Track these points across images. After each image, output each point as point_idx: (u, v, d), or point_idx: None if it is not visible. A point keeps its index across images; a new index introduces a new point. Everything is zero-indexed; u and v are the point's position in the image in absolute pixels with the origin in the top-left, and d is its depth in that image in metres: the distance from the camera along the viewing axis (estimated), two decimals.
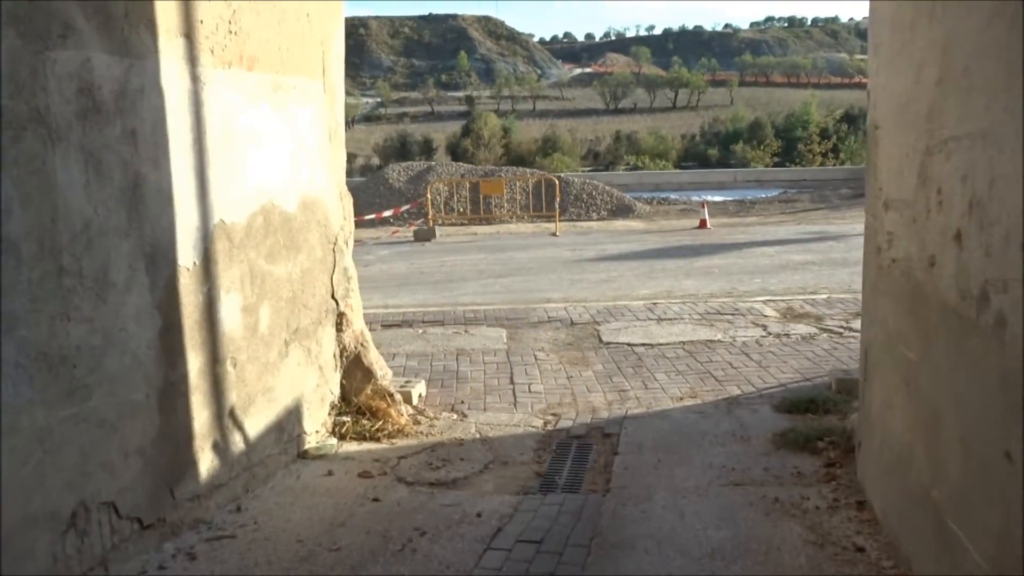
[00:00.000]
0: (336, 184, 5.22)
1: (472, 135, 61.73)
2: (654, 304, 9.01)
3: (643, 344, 7.33)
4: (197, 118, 3.68)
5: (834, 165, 33.40)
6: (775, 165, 39.22)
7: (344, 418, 5.19)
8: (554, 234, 16.79)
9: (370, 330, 8.26)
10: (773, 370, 6.41)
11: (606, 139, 73.87)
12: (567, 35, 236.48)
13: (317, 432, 4.95)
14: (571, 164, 49.55)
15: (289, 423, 4.60)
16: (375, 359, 5.51)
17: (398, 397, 5.47)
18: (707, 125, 77.74)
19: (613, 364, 6.74)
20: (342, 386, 5.31)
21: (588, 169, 46.96)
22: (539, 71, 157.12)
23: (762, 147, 44.90)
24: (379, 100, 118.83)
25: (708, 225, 17.28)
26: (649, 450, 4.84)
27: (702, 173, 30.29)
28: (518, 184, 20.08)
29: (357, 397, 5.32)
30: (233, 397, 4.03)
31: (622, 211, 20.68)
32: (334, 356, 5.23)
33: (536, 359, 6.95)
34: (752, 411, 5.47)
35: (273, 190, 4.38)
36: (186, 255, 3.62)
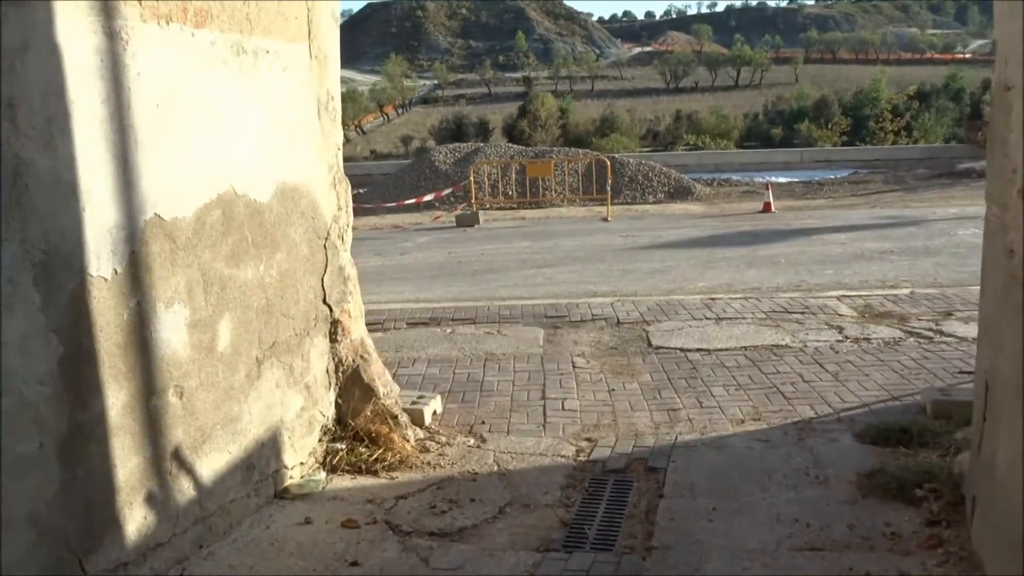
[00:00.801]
0: (327, 168, 4.40)
1: (529, 116, 60.85)
2: (712, 300, 8.03)
3: (698, 349, 6.38)
4: (116, 86, 2.88)
5: (908, 144, 31.57)
6: (843, 144, 37.37)
7: (338, 445, 4.39)
8: (605, 219, 15.81)
9: (394, 329, 7.51)
10: (853, 385, 5.42)
11: (666, 119, 72.19)
12: (626, 14, 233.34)
13: (303, 464, 4.16)
14: (629, 145, 48.34)
15: (262, 458, 3.81)
16: (378, 373, 4.69)
17: (404, 419, 4.65)
18: (770, 104, 75.37)
19: (663, 374, 5.83)
20: (337, 406, 4.52)
21: (647, 150, 45.61)
22: (597, 51, 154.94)
23: (829, 126, 42.94)
24: (436, 82, 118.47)
25: (773, 208, 16.11)
26: (702, 493, 3.94)
27: (765, 153, 28.86)
28: (569, 165, 19.11)
29: (355, 419, 4.51)
30: (178, 434, 3.25)
31: (680, 193, 19.58)
32: (327, 372, 4.43)
33: (574, 367, 6.07)
34: (829, 440, 4.51)
35: (237, 176, 3.58)
36: (101, 262, 2.83)
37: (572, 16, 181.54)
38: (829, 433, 4.62)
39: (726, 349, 6.36)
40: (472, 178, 16.18)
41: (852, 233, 12.60)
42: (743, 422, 4.87)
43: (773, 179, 20.18)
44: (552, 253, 11.66)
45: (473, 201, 16.12)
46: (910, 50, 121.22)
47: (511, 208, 18.43)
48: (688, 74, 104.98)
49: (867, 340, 6.45)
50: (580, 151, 21.71)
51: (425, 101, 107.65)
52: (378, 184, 20.90)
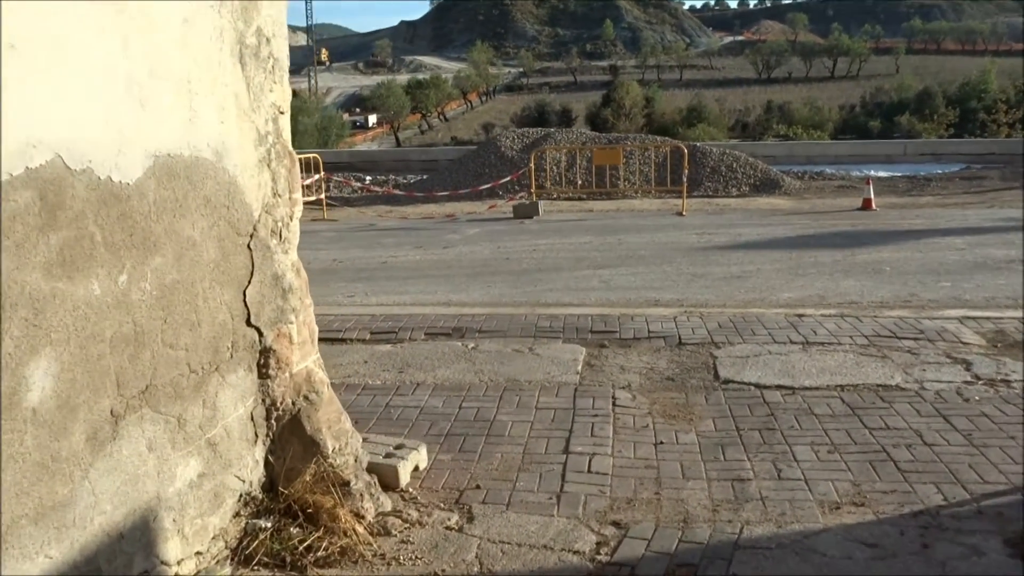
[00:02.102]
0: (255, 139, 3.15)
1: (613, 104, 59.23)
2: (799, 317, 6.54)
3: (779, 387, 4.95)
4: None
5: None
6: (950, 137, 34.57)
7: (262, 522, 3.16)
8: (680, 213, 14.25)
9: (408, 341, 6.26)
10: (994, 454, 3.92)
11: (756, 110, 69.45)
12: (719, 2, 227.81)
13: (200, 555, 2.94)
14: (716, 135, 46.29)
15: (117, 557, 2.60)
16: (328, 420, 3.44)
17: (360, 485, 3.39)
18: (868, 95, 71.80)
19: (730, 421, 4.43)
20: (267, 465, 3.29)
21: (735, 141, 43.48)
22: (687, 39, 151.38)
23: (935, 118, 39.95)
24: (521, 70, 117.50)
25: (874, 206, 14.28)
26: None
27: (864, 144, 26.58)
28: (643, 154, 17.57)
29: (291, 484, 3.28)
30: None
31: (767, 186, 17.83)
32: (250, 420, 3.21)
33: (614, 405, 4.72)
34: (968, 551, 3.07)
35: (73, 143, 2.36)
36: None
37: (662, 4, 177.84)
38: (967, 535, 3.18)
39: (816, 388, 4.91)
40: (532, 165, 14.79)
41: (970, 237, 10.79)
42: (839, 508, 3.45)
43: (873, 173, 18.21)
44: (613, 251, 10.25)
45: (533, 190, 14.76)
46: (1022, 40, 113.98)
47: (579, 199, 17.01)
48: (781, 64, 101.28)
49: (1006, 382, 4.90)
50: (658, 138, 20.11)
51: (509, 89, 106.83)
52: (442, 171, 19.75)
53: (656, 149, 17.57)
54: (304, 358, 3.43)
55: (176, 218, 2.77)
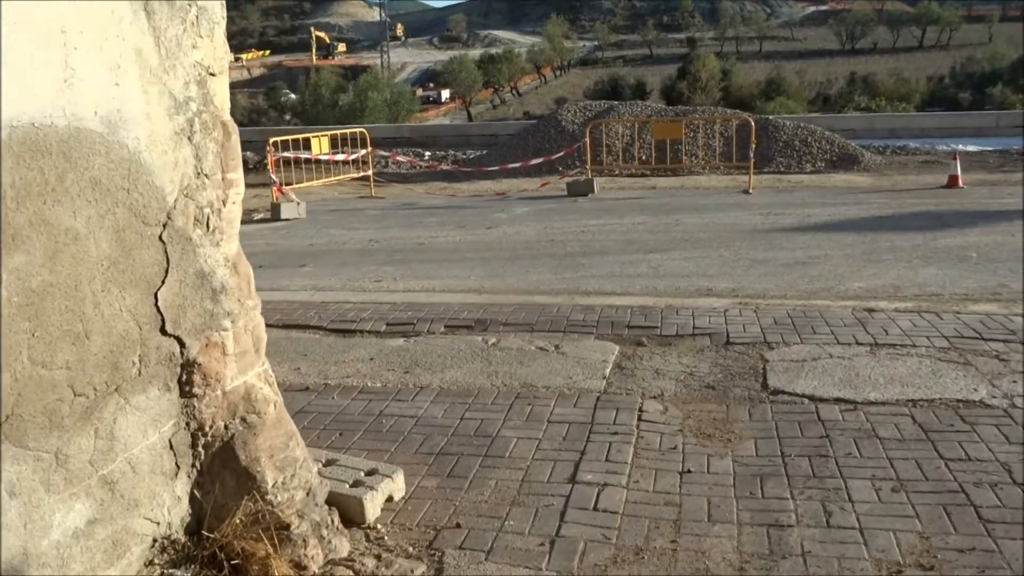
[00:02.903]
0: (170, 106, 2.57)
1: (688, 78, 57.65)
2: (869, 312, 5.72)
3: (838, 400, 4.20)
4: None
5: None
6: None
7: (179, 573, 2.61)
8: (747, 191, 13.29)
9: (425, 334, 5.67)
10: None
11: (839, 82, 66.68)
12: None
13: None
14: (795, 108, 44.46)
15: None
16: (270, 447, 2.86)
17: (303, 528, 2.81)
18: (959, 65, 68.16)
19: (774, 444, 3.72)
20: (193, 502, 2.74)
21: (815, 114, 41.58)
22: (768, 10, 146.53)
23: None
24: (596, 43, 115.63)
25: (960, 183, 13.08)
26: None
27: (952, 116, 24.87)
28: (708, 127, 16.58)
29: (219, 527, 2.72)
30: None
31: (844, 162, 16.66)
32: (169, 448, 2.65)
33: (640, 419, 4.04)
34: None
35: None
36: None
37: None
38: None
39: (882, 403, 4.14)
40: (588, 140, 13.98)
41: None
42: (900, 573, 2.72)
43: (961, 147, 16.84)
44: (668, 233, 9.45)
45: (589, 167, 13.95)
46: None
47: (641, 175, 16.15)
48: (866, 34, 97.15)
49: None
50: (728, 111, 19.00)
51: (584, 63, 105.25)
52: (501, 146, 19.09)
53: (724, 122, 16.56)
54: (243, 371, 2.86)
55: (48, 205, 2.20)
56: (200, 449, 2.75)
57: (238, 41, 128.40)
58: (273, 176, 12.37)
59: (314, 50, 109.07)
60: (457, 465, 3.61)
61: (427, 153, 20.41)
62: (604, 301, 6.37)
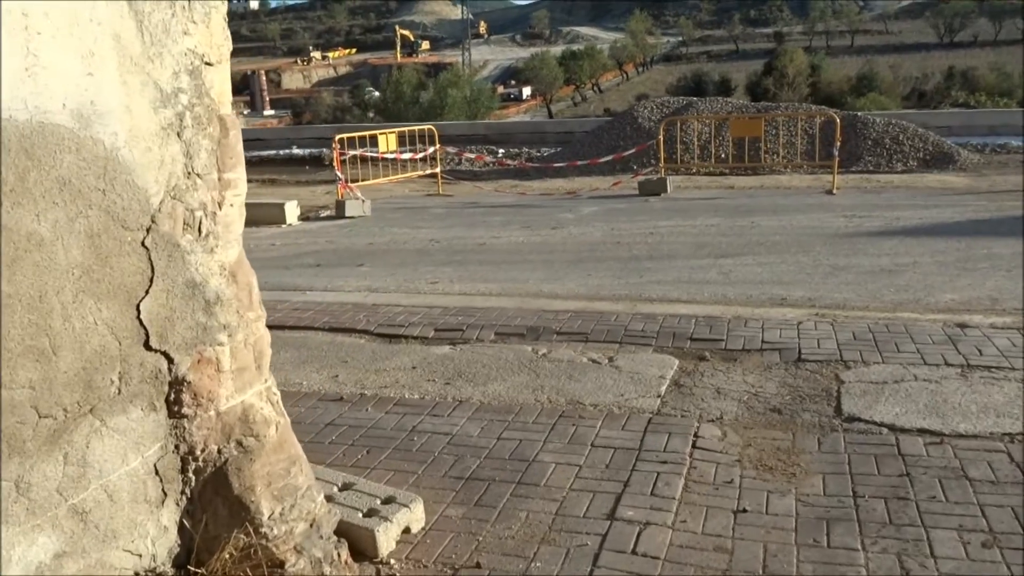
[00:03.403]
0: (155, 98, 2.32)
1: (775, 73, 56.08)
2: (961, 328, 5.18)
3: (923, 431, 3.72)
4: None
5: None
6: None
7: None
8: (830, 191, 12.59)
9: (474, 342, 5.37)
10: None
11: (935, 77, 63.80)
12: None
13: None
14: (888, 105, 42.70)
15: None
16: (268, 476, 2.60)
17: (300, 566, 2.54)
18: None
19: (846, 482, 3.29)
20: (183, 532, 2.49)
21: (910, 111, 39.82)
22: (861, 3, 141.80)
23: None
24: (681, 39, 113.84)
25: None
26: None
27: None
28: (791, 124, 15.83)
29: (208, 562, 2.47)
30: None
31: (938, 161, 15.71)
32: (154, 474, 2.41)
33: (695, 447, 3.66)
34: None
35: None
36: None
37: None
38: None
39: (974, 436, 3.65)
40: (662, 137, 13.44)
41: None
42: None
43: None
44: (743, 236, 8.94)
45: (662, 165, 13.43)
46: None
47: (720, 174, 15.54)
48: (966, 27, 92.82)
49: None
50: (813, 107, 18.17)
51: (668, 59, 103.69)
52: (575, 143, 18.70)
53: (808, 119, 15.80)
54: (241, 390, 2.60)
55: (6, 208, 1.98)
56: (190, 475, 2.51)
57: (325, 40, 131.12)
58: (339, 173, 12.29)
59: (398, 48, 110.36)
60: (487, 493, 3.29)
61: (500, 150, 20.17)
62: (667, 309, 5.97)
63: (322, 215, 12.01)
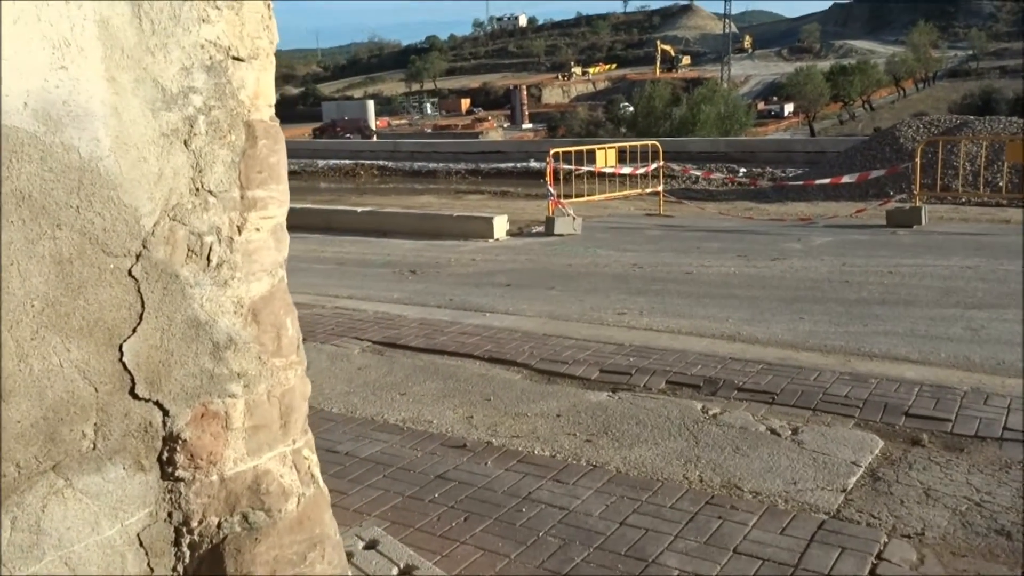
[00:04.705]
0: (154, 100, 1.93)
1: None
2: None
3: None
4: None
5: None
6: None
7: None
8: None
9: (639, 390, 4.67)
10: None
11: None
12: None
13: None
14: None
15: None
16: (274, 561, 2.13)
17: None
18: None
19: None
20: None
21: None
22: None
23: None
24: (971, 52, 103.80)
25: None
26: None
27: None
28: None
29: None
30: None
31: None
32: (137, 545, 2.02)
33: (872, 573, 2.76)
34: None
35: None
36: None
37: None
38: None
39: None
40: (918, 159, 11.68)
41: None
42: None
43: None
44: (1006, 283, 7.39)
45: (917, 192, 11.69)
46: None
47: (996, 205, 13.44)
48: None
49: None
50: None
51: (953, 74, 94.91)
52: (826, 164, 17.11)
53: None
54: (256, 452, 2.16)
55: None
56: (185, 549, 2.10)
57: (587, 55, 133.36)
58: (550, 188, 11.91)
59: (658, 63, 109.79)
60: None
61: (742, 169, 18.96)
62: (887, 370, 4.92)
63: (532, 231, 11.71)
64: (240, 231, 2.09)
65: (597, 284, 7.86)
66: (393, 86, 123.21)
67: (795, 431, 3.98)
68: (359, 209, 13.56)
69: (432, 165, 34.14)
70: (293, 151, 44.39)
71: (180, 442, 2.03)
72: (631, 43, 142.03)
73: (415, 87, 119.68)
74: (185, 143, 1.98)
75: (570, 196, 12.57)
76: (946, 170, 13.65)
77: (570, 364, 5.10)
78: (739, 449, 3.78)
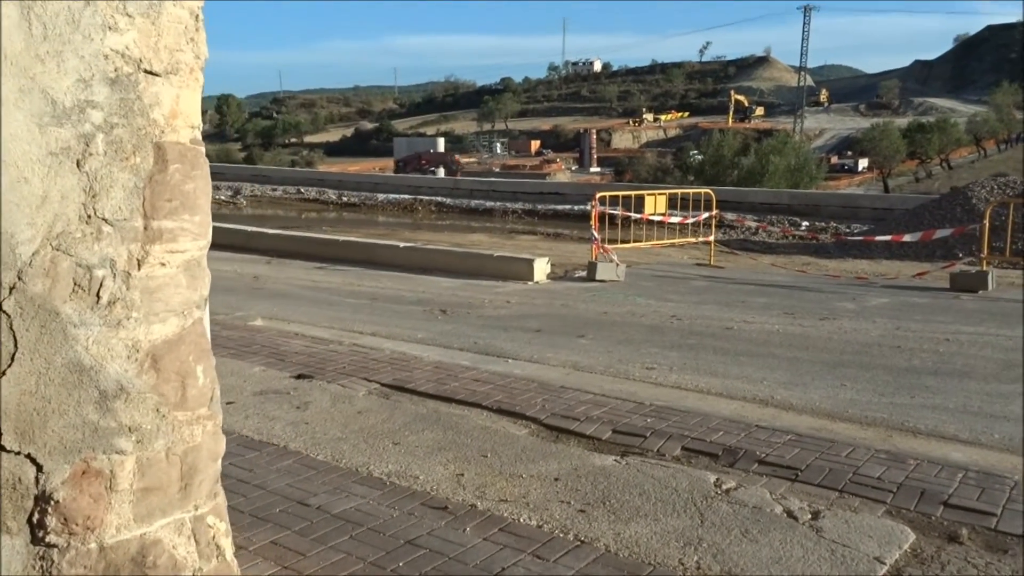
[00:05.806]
0: (41, 115, 1.71)
1: None
2: None
3: None
4: None
5: None
6: None
7: None
8: None
9: (653, 455, 4.31)
10: None
11: None
12: None
13: None
14: None
15: None
16: None
17: None
18: None
19: None
20: None
21: None
22: None
23: None
24: None
25: None
26: None
27: None
28: None
29: None
30: None
31: None
32: None
33: None
34: None
35: None
36: None
37: None
38: None
39: None
40: (987, 220, 11.00)
41: None
42: None
43: None
44: None
45: (985, 255, 11.02)
46: None
47: None
48: None
49: None
50: None
51: None
52: (892, 221, 16.44)
53: None
54: (145, 518, 1.89)
55: None
56: None
57: (660, 102, 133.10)
58: (595, 233, 11.60)
59: (731, 113, 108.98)
60: None
61: (804, 223, 18.36)
62: (931, 450, 4.46)
63: (575, 275, 11.39)
64: (140, 265, 1.85)
65: (631, 335, 7.49)
66: (465, 125, 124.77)
67: (815, 515, 3.57)
68: (401, 244, 13.44)
69: (490, 203, 34.17)
70: (356, 184, 44.83)
71: (53, 503, 1.78)
72: (705, 92, 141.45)
73: (487, 127, 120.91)
74: (78, 163, 1.75)
75: (618, 241, 12.24)
76: (1018, 234, 12.93)
77: (582, 421, 4.76)
78: (747, 533, 3.39)
